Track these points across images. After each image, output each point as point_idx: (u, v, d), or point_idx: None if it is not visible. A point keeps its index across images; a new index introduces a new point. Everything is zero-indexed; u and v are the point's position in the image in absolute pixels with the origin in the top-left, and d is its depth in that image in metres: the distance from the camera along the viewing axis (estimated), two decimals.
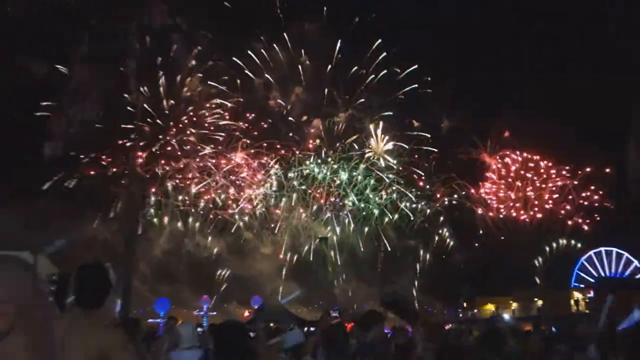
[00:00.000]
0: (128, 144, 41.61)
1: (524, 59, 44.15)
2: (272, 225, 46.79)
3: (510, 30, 43.77)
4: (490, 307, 45.87)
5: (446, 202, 48.28)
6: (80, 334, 3.66)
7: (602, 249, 46.41)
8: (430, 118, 47.48)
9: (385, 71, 47.19)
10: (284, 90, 47.47)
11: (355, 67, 46.96)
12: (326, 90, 47.29)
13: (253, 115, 46.26)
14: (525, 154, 48.24)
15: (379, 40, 46.38)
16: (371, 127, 47.74)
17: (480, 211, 48.09)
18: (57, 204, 38.19)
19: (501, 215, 47.81)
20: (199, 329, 13.64)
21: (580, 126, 39.05)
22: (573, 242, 47.16)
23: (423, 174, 47.94)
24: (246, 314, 35.64)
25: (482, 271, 43.91)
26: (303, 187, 47.60)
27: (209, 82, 44.97)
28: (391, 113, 47.44)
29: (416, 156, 47.74)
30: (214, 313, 36.12)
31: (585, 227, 46.82)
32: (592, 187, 47.00)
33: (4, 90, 34.90)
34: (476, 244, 47.27)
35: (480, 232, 47.61)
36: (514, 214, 47.87)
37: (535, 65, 44.13)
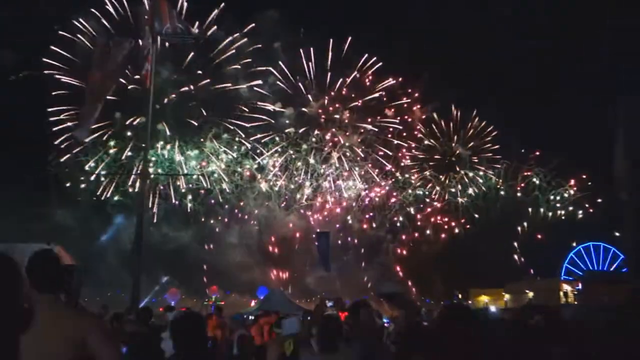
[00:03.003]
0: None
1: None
2: (244, 216, 46.41)
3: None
4: (484, 299, 45.74)
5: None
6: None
7: (591, 243, 46.47)
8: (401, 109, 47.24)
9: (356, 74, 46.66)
10: (256, 79, 45.59)
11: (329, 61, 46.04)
12: (298, 79, 46.46)
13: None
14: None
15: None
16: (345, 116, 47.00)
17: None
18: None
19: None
20: None
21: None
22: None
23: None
24: (252, 303, 35.67)
25: (454, 263, 44.04)
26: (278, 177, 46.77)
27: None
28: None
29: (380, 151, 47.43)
30: (222, 303, 36.06)
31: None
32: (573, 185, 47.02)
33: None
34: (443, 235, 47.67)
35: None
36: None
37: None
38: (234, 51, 44.52)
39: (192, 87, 44.25)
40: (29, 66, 40.66)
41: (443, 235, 48.08)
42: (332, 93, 46.68)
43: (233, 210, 46.15)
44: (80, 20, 42.13)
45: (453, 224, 48.13)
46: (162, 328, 9.33)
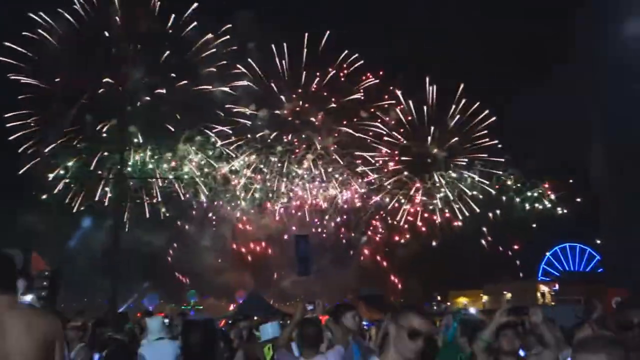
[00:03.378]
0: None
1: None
2: (215, 218, 45.85)
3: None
4: (463, 300, 45.95)
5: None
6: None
7: (567, 244, 46.87)
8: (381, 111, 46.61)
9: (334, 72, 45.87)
10: (230, 80, 44.52)
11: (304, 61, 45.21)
12: (273, 82, 45.52)
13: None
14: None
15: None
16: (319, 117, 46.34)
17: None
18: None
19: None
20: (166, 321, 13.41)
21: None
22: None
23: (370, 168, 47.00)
24: (231, 307, 35.47)
25: (432, 265, 43.92)
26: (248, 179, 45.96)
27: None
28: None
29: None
30: (201, 307, 35.82)
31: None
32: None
33: None
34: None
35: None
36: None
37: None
38: (208, 52, 43.87)
39: (164, 90, 43.35)
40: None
41: (424, 229, 47.88)
42: (307, 93, 46.33)
43: (207, 213, 45.55)
44: (46, 18, 40.91)
45: (435, 218, 47.83)
46: (139, 334, 9.19)
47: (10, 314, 3.40)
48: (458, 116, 46.68)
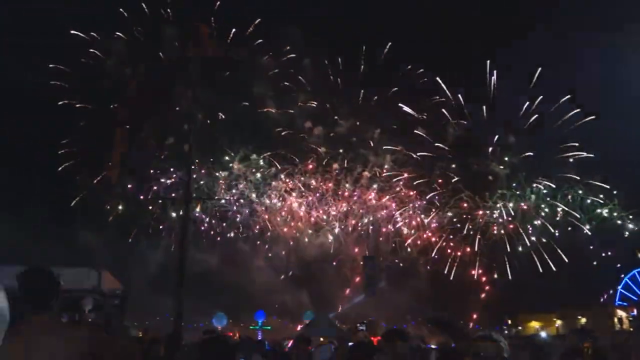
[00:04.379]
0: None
1: None
2: (269, 234, 45.10)
3: None
4: (535, 325, 44.31)
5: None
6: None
7: None
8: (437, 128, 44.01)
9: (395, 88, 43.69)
10: (284, 99, 43.84)
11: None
12: (328, 97, 44.24)
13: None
14: None
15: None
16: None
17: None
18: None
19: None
20: None
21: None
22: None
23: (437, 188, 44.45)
24: (298, 328, 35.30)
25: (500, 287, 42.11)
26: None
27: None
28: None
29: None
30: (269, 327, 35.73)
31: None
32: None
33: None
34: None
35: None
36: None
37: None
38: (263, 72, 43.36)
39: (222, 111, 43.47)
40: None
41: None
42: (363, 110, 44.52)
43: (263, 232, 45.45)
44: (96, 37, 41.53)
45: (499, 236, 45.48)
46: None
47: (44, 334, 3.31)
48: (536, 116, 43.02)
